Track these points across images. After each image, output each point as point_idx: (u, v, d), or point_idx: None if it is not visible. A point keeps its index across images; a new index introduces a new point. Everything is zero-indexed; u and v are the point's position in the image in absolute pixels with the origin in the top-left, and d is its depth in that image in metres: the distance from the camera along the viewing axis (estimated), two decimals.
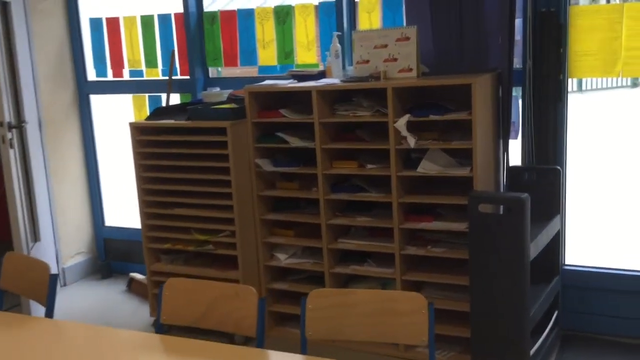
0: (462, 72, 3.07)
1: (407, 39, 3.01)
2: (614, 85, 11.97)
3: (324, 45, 3.56)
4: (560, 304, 3.13)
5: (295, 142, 3.20)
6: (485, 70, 3.02)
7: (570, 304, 3.21)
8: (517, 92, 3.20)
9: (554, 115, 3.11)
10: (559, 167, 3.04)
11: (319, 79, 3.29)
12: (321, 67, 3.48)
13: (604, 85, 12.00)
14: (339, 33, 3.35)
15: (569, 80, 3.14)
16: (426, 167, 2.97)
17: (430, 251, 3.04)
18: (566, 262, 3.26)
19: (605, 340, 3.17)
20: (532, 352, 2.74)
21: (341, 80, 3.16)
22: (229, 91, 3.60)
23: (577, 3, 3.13)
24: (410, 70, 3.03)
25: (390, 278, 3.12)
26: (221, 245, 3.40)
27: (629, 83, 12.13)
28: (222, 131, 3.21)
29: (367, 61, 3.11)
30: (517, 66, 3.15)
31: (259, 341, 2.07)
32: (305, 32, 3.63)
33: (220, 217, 3.35)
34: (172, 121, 3.40)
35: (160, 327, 2.18)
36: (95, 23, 4.27)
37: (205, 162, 3.31)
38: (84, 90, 4.40)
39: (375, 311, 2.03)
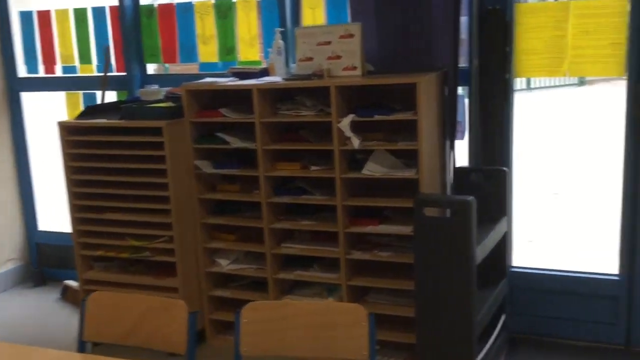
0: (407, 71, 2.98)
1: (351, 36, 2.90)
2: (562, 83, 12.20)
3: (267, 41, 3.42)
4: (508, 307, 3.08)
5: (235, 142, 3.06)
6: (431, 69, 2.94)
7: (518, 306, 3.17)
8: (464, 91, 3.14)
9: (500, 115, 3.06)
10: (505, 168, 2.99)
11: (261, 77, 3.16)
12: (264, 65, 3.34)
13: (552, 84, 12.21)
14: (282, 29, 3.22)
15: (518, 79, 3.09)
16: (371, 169, 2.87)
17: (376, 255, 2.95)
18: (513, 264, 3.22)
19: (553, 343, 3.14)
20: (479, 357, 2.67)
21: (283, 79, 3.03)
22: (168, 89, 3.43)
23: (523, 0, 3.07)
24: (355, 68, 2.92)
25: (336, 284, 3.02)
26: (158, 252, 3.23)
27: (576, 81, 12.38)
28: (157, 131, 3.04)
29: (310, 59, 2.99)
30: (464, 65, 3.08)
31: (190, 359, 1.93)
32: (248, 27, 3.49)
33: (157, 222, 3.18)
34: (104, 120, 3.20)
35: (82, 345, 2.02)
36: (26, 16, 4.03)
37: (141, 164, 3.14)
38: (14, 88, 4.15)
39: (313, 324, 1.92)
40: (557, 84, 12.18)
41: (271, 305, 1.96)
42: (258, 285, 3.20)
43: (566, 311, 3.12)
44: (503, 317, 3.04)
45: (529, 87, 11.59)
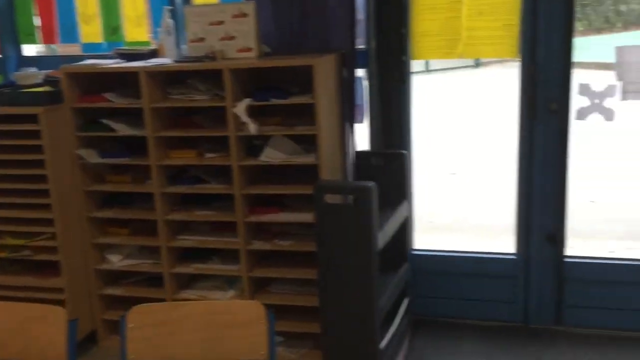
0: (305, 53, 2.88)
1: (245, 15, 2.75)
2: (459, 65, 12.55)
3: (156, 20, 3.20)
4: (410, 290, 3.07)
5: (122, 129, 2.85)
6: (328, 51, 2.85)
7: (420, 289, 3.17)
8: (363, 73, 3.07)
9: (398, 98, 3.03)
10: (405, 152, 2.96)
11: (149, 59, 2.95)
12: (153, 46, 3.13)
13: (450, 66, 12.53)
14: (171, 7, 3.02)
15: (417, 62, 3.06)
16: (270, 155, 2.76)
17: (277, 245, 2.85)
18: (414, 247, 3.21)
19: (455, 324, 3.17)
20: (383, 342, 2.64)
21: (174, 61, 2.84)
22: (48, 72, 3.14)
23: None
24: (250, 50, 2.78)
25: (236, 276, 2.89)
26: (40, 250, 2.97)
27: (472, 63, 12.77)
28: (33, 118, 2.77)
29: (202, 39, 2.82)
30: (362, 47, 3.01)
31: None
32: (134, 5, 3.25)
33: (37, 218, 2.91)
34: None
35: None
36: None
37: (16, 154, 2.85)
38: None
39: (208, 325, 1.79)
40: (455, 65, 12.52)
41: (160, 308, 1.81)
42: (154, 281, 3.02)
43: (467, 292, 3.16)
44: (406, 301, 3.03)
45: (427, 70, 11.84)
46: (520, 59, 2.91)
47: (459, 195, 5.69)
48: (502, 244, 3.35)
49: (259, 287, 2.92)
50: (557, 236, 2.96)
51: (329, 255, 2.54)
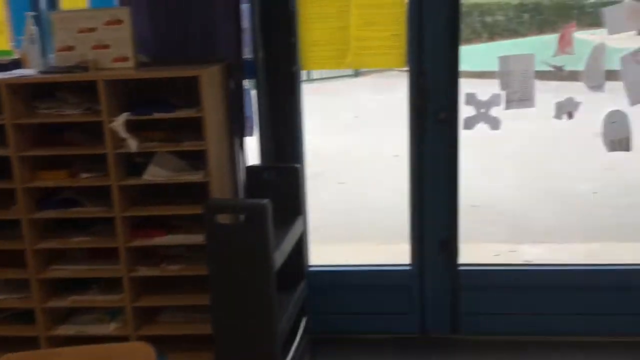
0: (187, 63, 2.69)
1: (119, 22, 2.53)
2: (339, 74, 12.71)
3: (18, 28, 2.88)
4: (308, 308, 2.97)
5: None
6: (214, 61, 2.69)
7: (318, 306, 3.07)
8: (251, 84, 2.93)
9: (289, 109, 2.92)
10: (298, 165, 2.85)
11: (12, 70, 2.65)
12: (16, 55, 2.81)
13: (331, 74, 12.66)
14: (34, 13, 2.72)
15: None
16: (154, 174, 2.54)
17: (166, 270, 2.63)
18: (311, 264, 3.11)
19: (354, 340, 3.10)
20: None
21: (40, 72, 2.56)
22: None
23: None
24: (126, 59, 2.56)
25: (120, 306, 2.64)
26: None
27: (352, 72, 12.99)
28: None
29: (71, 47, 2.56)
30: (249, 56, 2.87)
31: None
32: None
33: None
34: None
35: None
36: None
37: None
38: None
39: None
40: (336, 74, 12.67)
41: (31, 357, 1.56)
42: (24, 317, 2.70)
43: (364, 306, 3.10)
44: (304, 320, 2.92)
45: (310, 79, 11.87)
46: (408, 69, 2.90)
47: (350, 205, 5.68)
48: (397, 253, 3.32)
49: (146, 317, 2.69)
50: (450, 244, 2.98)
51: (222, 279, 2.38)
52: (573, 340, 2.98)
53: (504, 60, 2.83)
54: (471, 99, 2.86)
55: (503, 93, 2.84)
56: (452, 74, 2.83)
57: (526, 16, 12.94)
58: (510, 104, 2.84)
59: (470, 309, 3.03)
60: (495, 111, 2.85)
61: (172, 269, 2.62)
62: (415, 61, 2.86)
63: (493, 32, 12.45)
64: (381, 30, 2.87)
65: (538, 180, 6.00)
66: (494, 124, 2.86)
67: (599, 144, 2.85)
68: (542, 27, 12.36)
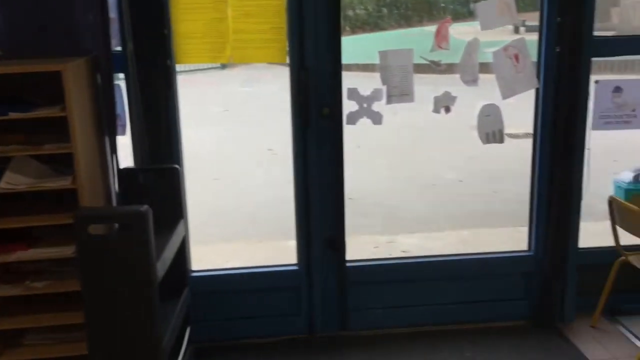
0: (49, 56, 2.42)
1: None
2: (207, 66, 12.38)
3: None
4: (192, 317, 2.80)
5: None
6: (78, 54, 2.44)
7: (203, 314, 2.92)
8: (121, 79, 2.70)
9: (165, 105, 2.72)
10: (177, 166, 2.67)
11: None
12: None
13: (197, 67, 12.30)
14: None
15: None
16: (12, 181, 2.27)
17: (30, 287, 2.36)
18: (193, 269, 2.94)
19: (242, 345, 2.98)
20: None
21: None
22: None
23: None
24: None
25: None
26: None
27: (219, 65, 12.71)
28: None
29: None
30: (117, 49, 2.64)
31: None
32: None
33: None
34: None
35: None
36: None
37: None
38: None
39: None
40: (203, 67, 12.33)
41: None
42: None
43: (251, 310, 2.99)
44: (188, 330, 2.76)
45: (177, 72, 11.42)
46: (289, 64, 2.81)
47: (226, 202, 5.51)
48: (278, 250, 3.24)
49: (9, 341, 2.40)
50: (337, 242, 2.94)
51: (97, 295, 2.16)
52: (459, 328, 3.06)
53: (383, 55, 2.82)
54: (353, 94, 2.84)
55: (384, 88, 2.83)
56: (334, 68, 2.78)
57: (385, 10, 13.39)
58: (391, 98, 2.84)
59: (358, 305, 3.02)
60: (377, 106, 2.84)
61: (38, 286, 2.36)
62: (296, 55, 2.78)
63: (354, 26, 12.74)
64: (260, 23, 2.75)
65: (408, 171, 6.19)
66: (377, 118, 2.85)
67: (474, 136, 2.93)
68: (400, 21, 12.87)
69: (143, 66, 2.64)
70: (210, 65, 12.29)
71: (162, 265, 2.31)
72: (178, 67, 2.78)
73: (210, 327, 2.96)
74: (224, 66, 12.82)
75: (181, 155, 2.82)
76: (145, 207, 2.15)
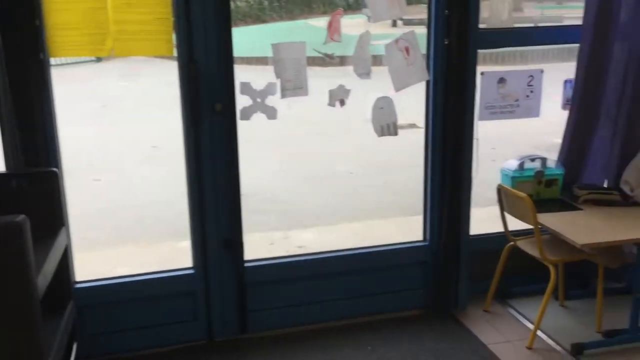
0: None
1: None
2: (80, 60, 11.69)
3: None
4: (80, 331, 2.59)
5: None
6: None
7: (91, 328, 2.70)
8: None
9: (39, 103, 2.48)
10: (55, 169, 2.44)
11: None
12: None
13: (70, 60, 11.56)
14: None
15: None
16: None
17: None
18: (78, 281, 2.72)
19: (138, 357, 2.79)
20: None
21: None
22: None
23: None
24: None
25: None
26: None
27: (93, 58, 12.05)
28: None
29: None
30: None
31: None
32: None
33: None
34: None
35: None
36: None
37: None
38: None
39: None
40: (76, 60, 11.63)
41: None
42: None
43: (145, 319, 2.81)
44: (75, 346, 2.54)
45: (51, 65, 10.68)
46: (177, 57, 2.66)
47: (109, 204, 5.19)
48: (168, 252, 3.07)
49: None
50: (234, 242, 2.83)
51: None
52: (360, 322, 3.06)
53: (276, 48, 2.74)
54: (246, 88, 2.73)
55: (278, 82, 2.75)
56: (226, 61, 2.66)
57: (266, 2, 13.34)
58: (285, 92, 2.76)
59: (258, 306, 2.93)
60: (271, 100, 2.75)
61: None
62: (184, 48, 2.63)
63: (236, 18, 12.59)
64: (143, 13, 2.57)
65: (300, 164, 6.15)
66: (271, 113, 2.76)
67: (369, 128, 2.92)
68: (281, 13, 12.88)
69: (12, 61, 2.39)
70: (83, 59, 11.63)
71: (43, 279, 2.09)
72: (57, 60, 2.54)
73: (100, 341, 2.75)
74: (99, 59, 12.19)
75: (59, 156, 2.58)
76: (21, 216, 1.93)
